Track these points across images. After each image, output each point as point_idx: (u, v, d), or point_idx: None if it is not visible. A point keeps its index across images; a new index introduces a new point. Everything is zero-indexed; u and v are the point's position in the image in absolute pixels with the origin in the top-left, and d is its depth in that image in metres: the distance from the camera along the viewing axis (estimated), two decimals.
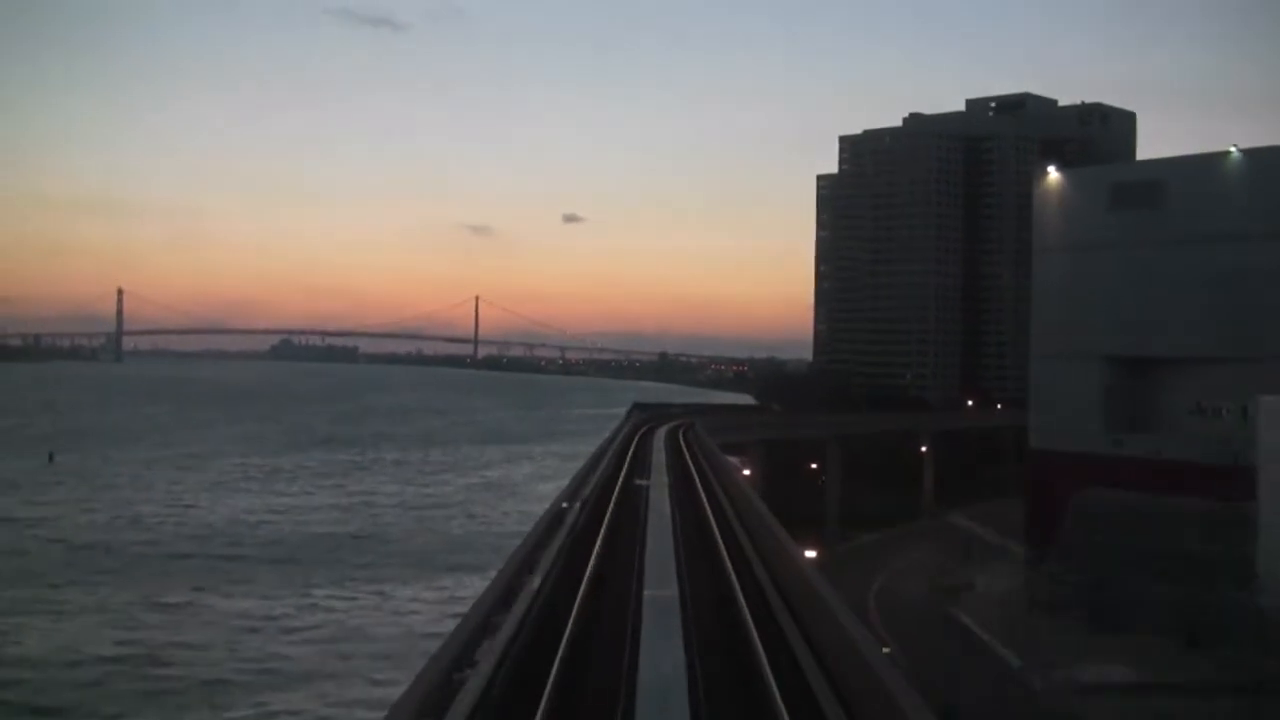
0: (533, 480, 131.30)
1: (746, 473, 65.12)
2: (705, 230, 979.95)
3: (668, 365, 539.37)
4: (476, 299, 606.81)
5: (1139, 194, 70.18)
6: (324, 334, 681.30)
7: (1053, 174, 75.40)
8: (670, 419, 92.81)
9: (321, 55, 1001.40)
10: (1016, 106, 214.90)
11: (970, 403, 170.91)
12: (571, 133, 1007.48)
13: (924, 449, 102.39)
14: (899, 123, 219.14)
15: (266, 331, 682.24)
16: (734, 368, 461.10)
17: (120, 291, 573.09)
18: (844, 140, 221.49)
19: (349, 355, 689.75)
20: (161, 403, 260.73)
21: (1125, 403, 70.78)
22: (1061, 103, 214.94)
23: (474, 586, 53.45)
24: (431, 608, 60.26)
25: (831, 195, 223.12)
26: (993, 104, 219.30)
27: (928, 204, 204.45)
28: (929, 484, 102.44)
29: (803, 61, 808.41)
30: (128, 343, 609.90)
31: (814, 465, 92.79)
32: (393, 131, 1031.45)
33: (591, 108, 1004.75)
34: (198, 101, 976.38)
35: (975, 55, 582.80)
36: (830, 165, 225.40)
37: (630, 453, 55.42)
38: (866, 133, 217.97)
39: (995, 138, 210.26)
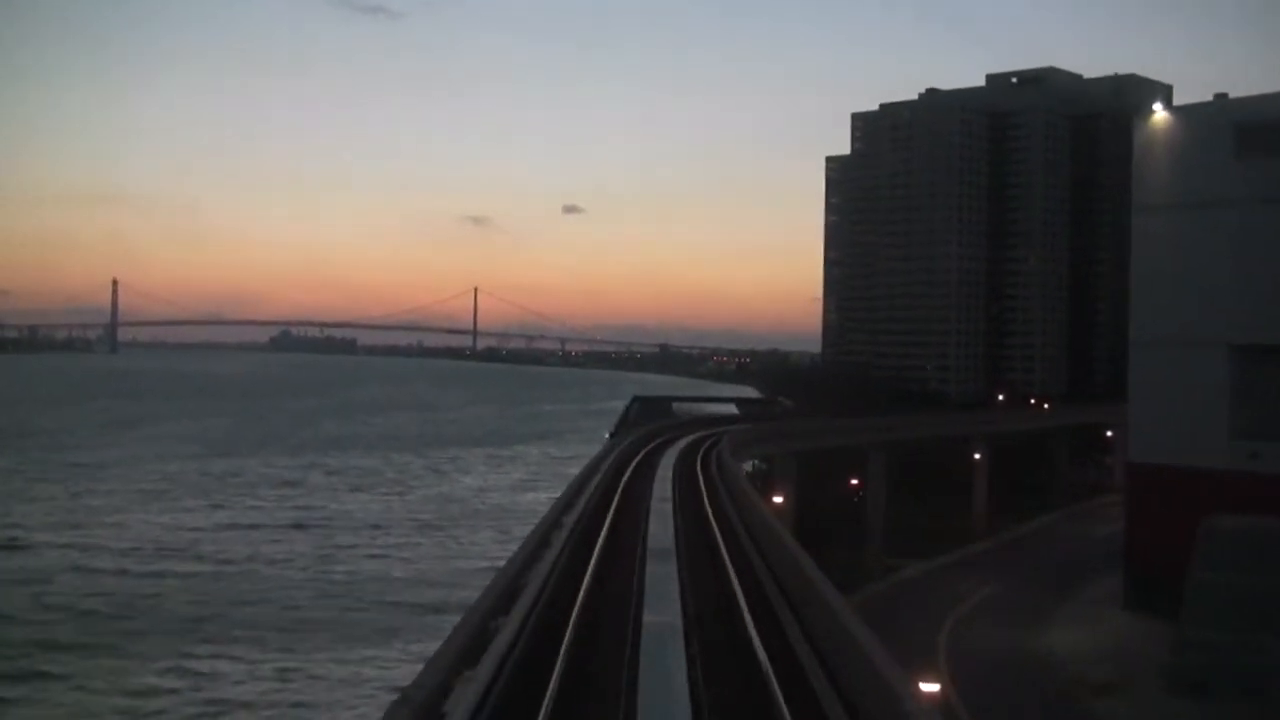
0: (517, 490, 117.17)
1: (779, 499, 50.21)
2: (705, 220, 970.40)
3: (669, 357, 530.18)
4: (475, 290, 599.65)
5: (1275, 136, 54.69)
6: (322, 325, 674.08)
7: (1160, 113, 59.71)
8: (677, 429, 76.36)
9: (318, 44, 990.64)
10: (1039, 81, 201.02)
11: (1001, 398, 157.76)
12: (570, 122, 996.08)
13: (977, 456, 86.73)
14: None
15: (265, 323, 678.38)
16: (736, 359, 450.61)
17: (115, 282, 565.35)
18: (857, 118, 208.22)
19: (348, 347, 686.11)
20: (141, 397, 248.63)
21: (1258, 403, 55.40)
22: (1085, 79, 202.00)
23: (403, 664, 38.93)
24: (339, 702, 45.10)
25: (842, 178, 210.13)
26: (1014, 78, 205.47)
27: (949, 184, 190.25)
28: (981, 497, 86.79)
29: (802, 51, 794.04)
30: (125, 334, 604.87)
31: (853, 478, 77.36)
32: (390, 121, 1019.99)
33: (590, 96, 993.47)
34: (193, 92, 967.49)
35: (984, 38, 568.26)
36: (830, 152, 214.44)
37: (596, 553, 26.50)
38: (882, 108, 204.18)
39: (1022, 113, 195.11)
